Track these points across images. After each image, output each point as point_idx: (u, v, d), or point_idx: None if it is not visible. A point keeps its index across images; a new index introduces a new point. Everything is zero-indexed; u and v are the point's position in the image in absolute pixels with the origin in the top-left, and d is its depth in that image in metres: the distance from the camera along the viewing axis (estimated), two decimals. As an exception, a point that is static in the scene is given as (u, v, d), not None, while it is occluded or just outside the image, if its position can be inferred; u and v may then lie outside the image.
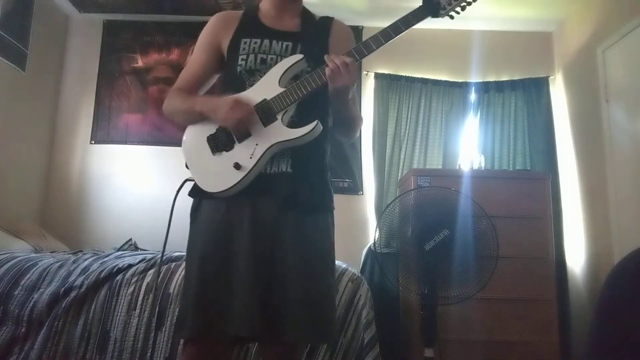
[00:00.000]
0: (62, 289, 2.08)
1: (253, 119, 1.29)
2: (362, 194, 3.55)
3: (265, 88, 1.32)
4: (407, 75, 3.61)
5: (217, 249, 1.28)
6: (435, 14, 1.34)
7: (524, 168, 3.41)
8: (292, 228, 1.29)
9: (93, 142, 3.64)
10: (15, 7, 3.12)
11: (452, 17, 1.37)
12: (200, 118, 1.35)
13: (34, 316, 2.05)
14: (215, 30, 1.45)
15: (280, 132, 1.29)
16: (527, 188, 2.84)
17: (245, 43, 1.37)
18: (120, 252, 2.58)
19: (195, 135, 1.37)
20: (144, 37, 3.78)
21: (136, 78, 3.74)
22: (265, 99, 1.30)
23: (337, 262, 2.34)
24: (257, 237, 1.27)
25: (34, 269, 2.20)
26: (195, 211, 1.37)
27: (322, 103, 1.40)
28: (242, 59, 1.36)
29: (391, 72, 3.63)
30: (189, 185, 1.36)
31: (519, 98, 3.56)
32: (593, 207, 3.06)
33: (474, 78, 3.60)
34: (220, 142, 1.32)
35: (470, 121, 3.58)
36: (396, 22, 1.31)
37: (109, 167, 3.59)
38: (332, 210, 1.41)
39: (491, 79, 3.62)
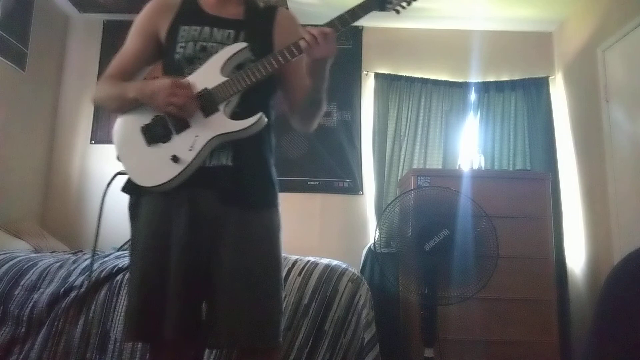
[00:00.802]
0: (62, 289, 2.08)
1: (194, 106, 1.21)
2: (362, 194, 3.55)
3: (206, 76, 1.24)
4: (407, 75, 3.61)
5: (157, 249, 1.22)
6: (382, 7, 1.30)
7: (524, 168, 3.41)
8: (233, 224, 1.22)
9: (93, 142, 3.64)
10: (15, 7, 3.12)
11: (397, 12, 1.32)
12: (133, 105, 1.27)
13: (34, 316, 2.05)
14: (152, 16, 1.37)
15: (223, 124, 1.22)
16: (527, 188, 2.84)
17: (184, 30, 1.30)
18: (120, 252, 2.58)
19: (128, 125, 1.29)
20: (144, 37, 3.78)
21: (136, 78, 3.75)
22: (206, 88, 1.23)
23: (337, 262, 2.35)
24: (196, 234, 1.21)
25: (34, 269, 2.20)
26: (134, 208, 1.30)
27: (267, 95, 1.34)
28: (181, 47, 1.28)
29: (391, 72, 3.63)
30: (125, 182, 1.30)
31: (519, 98, 3.56)
32: (593, 207, 3.06)
33: (474, 78, 3.60)
34: (156, 133, 1.24)
35: (470, 121, 3.57)
36: (343, 14, 1.26)
37: (109, 167, 3.57)
38: (276, 207, 1.32)
39: (491, 79, 3.62)
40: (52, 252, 2.74)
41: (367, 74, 3.66)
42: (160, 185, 1.22)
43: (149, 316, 1.20)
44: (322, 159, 3.56)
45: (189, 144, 1.21)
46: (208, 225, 1.22)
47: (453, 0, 3.28)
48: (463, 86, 3.60)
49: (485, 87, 3.58)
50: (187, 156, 1.21)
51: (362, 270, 3.04)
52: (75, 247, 3.19)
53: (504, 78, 3.61)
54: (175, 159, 1.21)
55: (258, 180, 1.29)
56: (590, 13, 3.16)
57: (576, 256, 3.22)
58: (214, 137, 1.21)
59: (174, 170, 1.21)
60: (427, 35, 3.67)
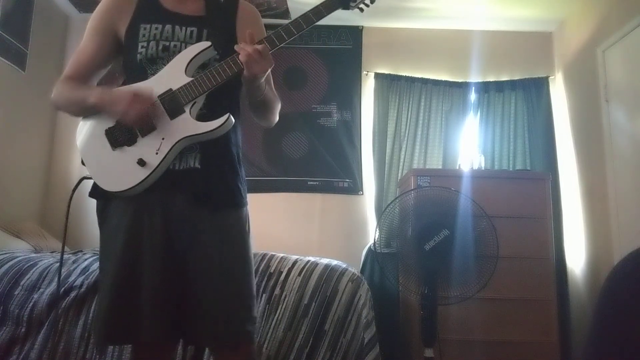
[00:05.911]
0: (62, 289, 2.08)
1: (157, 111, 1.19)
2: (362, 194, 3.55)
3: (170, 77, 1.21)
4: (407, 75, 3.61)
5: (129, 253, 1.20)
6: (346, 6, 1.29)
7: (524, 168, 3.41)
8: (206, 226, 1.23)
9: (93, 142, 3.64)
10: (15, 7, 3.12)
11: (361, 10, 1.31)
12: (93, 111, 1.24)
13: (34, 316, 2.05)
14: (109, 13, 1.32)
15: (189, 126, 1.20)
16: (527, 188, 2.84)
17: (145, 29, 1.26)
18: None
19: (92, 128, 1.25)
20: (144, 37, 3.78)
21: (136, 78, 3.74)
22: (170, 89, 1.20)
23: (337, 262, 2.35)
24: (172, 235, 1.21)
25: (34, 269, 2.20)
26: (102, 212, 1.28)
27: (233, 94, 1.33)
28: (142, 47, 1.25)
29: (391, 72, 3.63)
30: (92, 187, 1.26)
31: (519, 98, 3.56)
32: (593, 207, 3.06)
33: (474, 78, 3.60)
34: (121, 136, 1.21)
35: (470, 121, 3.58)
36: (307, 12, 1.25)
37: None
38: (245, 205, 1.33)
39: (491, 79, 3.62)
40: (52, 252, 2.74)
41: (367, 74, 3.66)
42: (126, 190, 1.19)
43: (125, 319, 1.18)
44: (322, 159, 3.56)
45: (155, 147, 1.19)
46: (182, 227, 1.22)
47: (453, 0, 3.28)
48: (463, 86, 3.60)
49: (485, 87, 3.58)
50: (154, 160, 1.18)
51: (362, 270, 3.04)
52: (75, 247, 3.18)
53: (504, 78, 3.61)
54: (141, 162, 1.18)
55: (226, 181, 1.28)
56: (590, 13, 3.16)
57: (576, 256, 3.21)
58: (180, 139, 1.19)
59: (141, 174, 1.18)
60: (427, 35, 3.67)
